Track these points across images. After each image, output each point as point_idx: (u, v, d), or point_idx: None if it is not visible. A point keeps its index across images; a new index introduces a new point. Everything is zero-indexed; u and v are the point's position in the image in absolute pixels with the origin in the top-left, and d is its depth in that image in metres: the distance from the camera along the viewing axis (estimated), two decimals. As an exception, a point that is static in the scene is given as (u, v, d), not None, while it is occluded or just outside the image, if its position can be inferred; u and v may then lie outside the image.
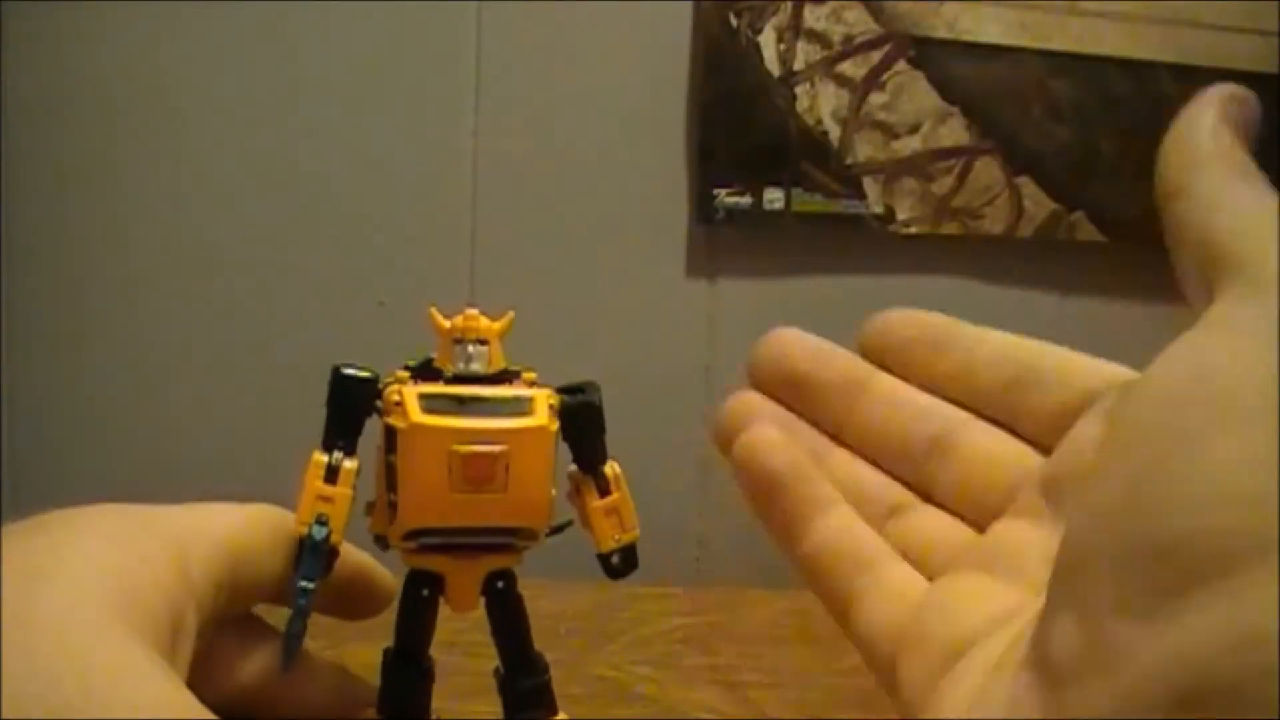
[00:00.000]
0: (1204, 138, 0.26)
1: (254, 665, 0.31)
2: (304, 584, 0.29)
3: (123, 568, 0.25)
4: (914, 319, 0.32)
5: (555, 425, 0.30)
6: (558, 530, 0.32)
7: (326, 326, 0.80)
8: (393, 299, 0.80)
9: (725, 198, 0.81)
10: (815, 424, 0.32)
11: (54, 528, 0.26)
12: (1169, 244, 0.26)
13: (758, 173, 0.81)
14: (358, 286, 0.80)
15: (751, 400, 0.32)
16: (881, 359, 0.32)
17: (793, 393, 0.32)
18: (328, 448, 0.30)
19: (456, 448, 0.29)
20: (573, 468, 0.33)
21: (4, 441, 0.77)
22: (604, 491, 0.32)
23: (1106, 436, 0.23)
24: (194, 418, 0.79)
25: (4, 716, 0.21)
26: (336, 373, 0.31)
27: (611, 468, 0.32)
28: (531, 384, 0.31)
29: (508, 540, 0.31)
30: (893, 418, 0.31)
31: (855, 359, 0.32)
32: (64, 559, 0.25)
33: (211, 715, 0.24)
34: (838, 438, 0.32)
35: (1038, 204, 0.84)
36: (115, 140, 0.78)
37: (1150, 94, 0.84)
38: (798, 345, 0.33)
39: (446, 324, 0.31)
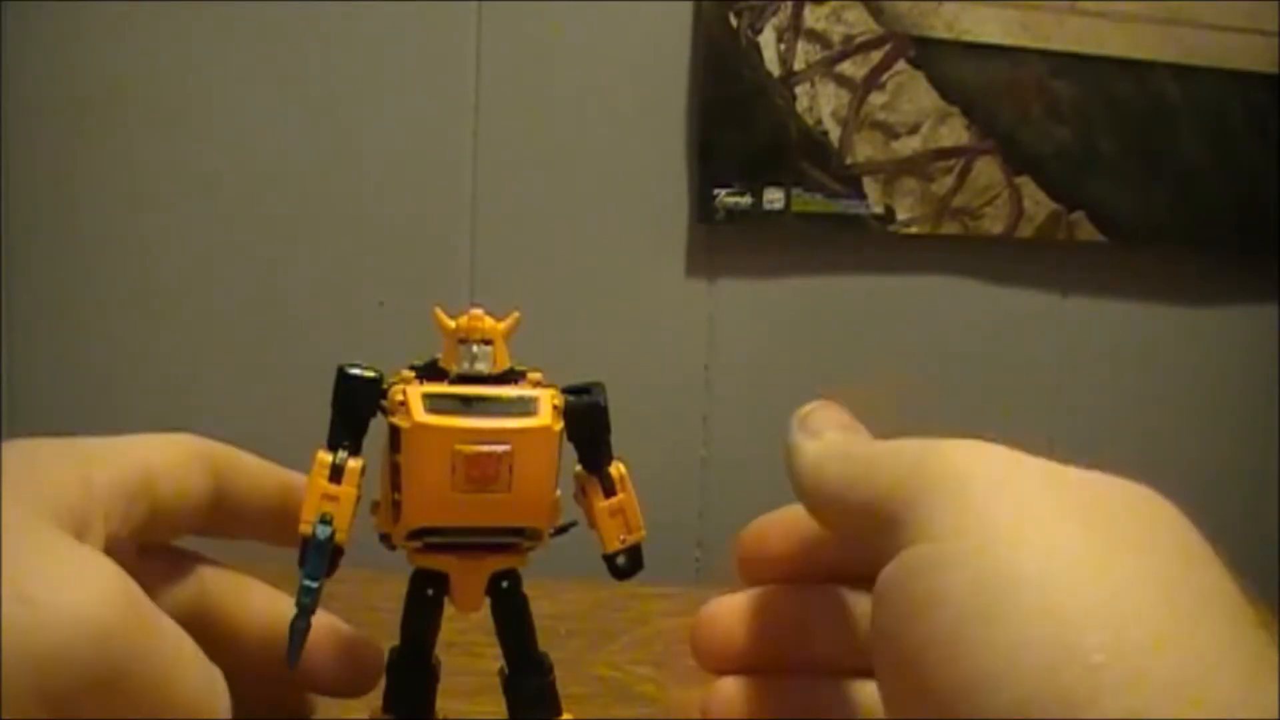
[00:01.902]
0: (808, 457, 0.30)
1: (185, 595, 0.32)
2: (308, 583, 0.29)
3: (26, 482, 0.27)
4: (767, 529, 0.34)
5: (559, 425, 0.30)
6: (562, 531, 0.32)
7: (326, 326, 0.80)
8: (393, 299, 0.80)
9: (725, 198, 0.81)
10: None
11: None
12: (837, 535, 0.30)
13: (758, 173, 0.81)
14: (358, 286, 0.80)
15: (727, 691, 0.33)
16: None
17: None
18: (333, 447, 0.30)
19: (460, 447, 0.29)
20: (578, 468, 0.32)
21: (3, 439, 0.77)
22: (609, 492, 0.32)
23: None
24: (194, 418, 0.79)
25: None
26: (341, 372, 0.31)
27: (617, 468, 0.32)
28: (537, 384, 0.31)
29: (513, 540, 0.31)
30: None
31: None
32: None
33: (123, 574, 0.26)
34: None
35: (1038, 204, 0.84)
36: (115, 141, 0.78)
37: (1150, 94, 0.84)
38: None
39: (451, 324, 0.31)
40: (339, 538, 0.30)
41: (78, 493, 0.28)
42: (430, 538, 0.30)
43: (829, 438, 0.30)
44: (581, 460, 0.32)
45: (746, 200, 0.81)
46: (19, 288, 0.78)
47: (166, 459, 0.31)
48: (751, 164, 0.81)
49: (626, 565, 0.32)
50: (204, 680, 0.27)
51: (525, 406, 0.30)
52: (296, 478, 0.33)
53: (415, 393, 0.29)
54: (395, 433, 0.29)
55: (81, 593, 0.24)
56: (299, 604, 0.29)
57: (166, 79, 0.78)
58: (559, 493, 0.31)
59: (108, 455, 0.30)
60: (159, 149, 0.78)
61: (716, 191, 0.81)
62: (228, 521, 0.33)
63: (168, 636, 0.27)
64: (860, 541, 0.28)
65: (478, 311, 0.31)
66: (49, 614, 0.24)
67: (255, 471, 0.34)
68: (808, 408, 0.31)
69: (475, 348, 0.30)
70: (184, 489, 0.31)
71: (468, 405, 0.29)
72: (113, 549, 0.28)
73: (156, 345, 0.79)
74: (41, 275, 0.78)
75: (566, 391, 0.31)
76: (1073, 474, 0.27)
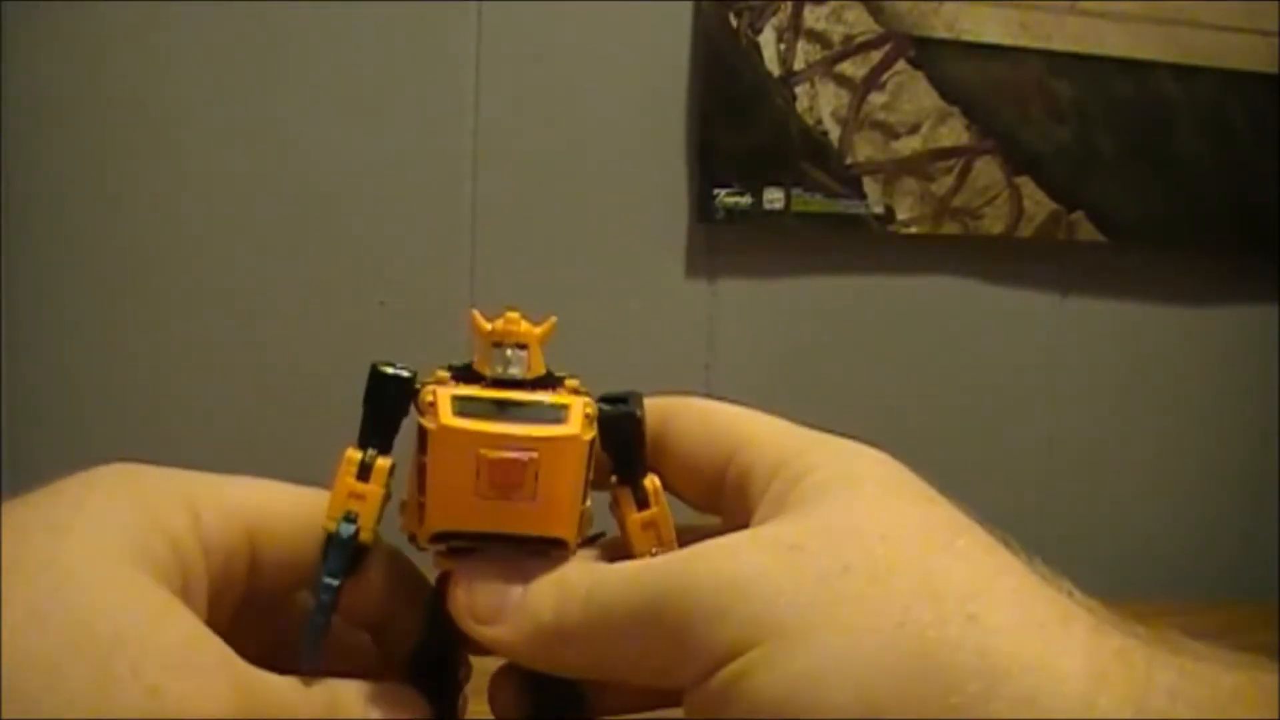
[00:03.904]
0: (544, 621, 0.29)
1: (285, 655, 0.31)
2: (328, 580, 0.29)
3: (133, 519, 0.27)
4: None
5: (589, 435, 0.29)
6: (589, 542, 0.31)
7: (326, 326, 0.79)
8: (393, 299, 0.80)
9: (725, 198, 0.81)
10: None
11: (69, 487, 0.28)
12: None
13: (758, 173, 0.81)
14: (358, 286, 0.80)
15: None
16: None
17: None
18: (362, 445, 0.30)
19: (485, 452, 0.28)
20: (614, 479, 0.32)
21: (4, 441, 0.77)
22: (643, 504, 0.31)
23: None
24: (193, 418, 0.79)
25: (42, 657, 0.23)
26: (374, 370, 0.30)
27: (652, 481, 0.31)
28: (574, 391, 0.30)
29: (539, 549, 0.30)
30: None
31: None
32: (81, 513, 0.26)
33: (229, 650, 0.25)
34: None
35: (1038, 204, 0.84)
36: (115, 140, 0.78)
37: (1150, 94, 0.84)
38: None
39: (487, 326, 0.30)
40: (363, 536, 0.29)
41: (186, 539, 0.27)
42: (454, 542, 0.30)
43: (540, 602, 0.29)
44: (616, 471, 0.32)
45: (746, 200, 0.81)
46: (18, 288, 0.78)
47: (271, 511, 0.30)
48: (751, 164, 0.81)
49: None
50: None
51: (555, 414, 0.29)
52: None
53: (445, 394, 0.29)
54: (422, 433, 0.29)
55: (206, 695, 0.24)
56: (318, 601, 0.29)
57: (166, 78, 0.78)
58: (589, 503, 0.30)
59: (212, 499, 0.29)
60: (158, 148, 0.78)
61: (716, 191, 0.81)
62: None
63: None
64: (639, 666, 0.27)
65: (514, 315, 0.30)
66: (173, 708, 0.23)
67: None
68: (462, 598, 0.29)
69: (509, 351, 0.30)
70: (289, 548, 0.30)
71: (497, 410, 0.29)
72: (212, 603, 0.27)
73: (156, 345, 0.79)
74: (40, 275, 0.78)
75: (602, 400, 0.31)
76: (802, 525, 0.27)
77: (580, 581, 0.28)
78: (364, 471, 0.30)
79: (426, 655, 0.32)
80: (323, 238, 0.80)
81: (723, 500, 0.31)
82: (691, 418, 0.32)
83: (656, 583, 0.26)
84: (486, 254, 0.81)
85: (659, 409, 0.32)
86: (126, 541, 0.26)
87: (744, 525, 0.28)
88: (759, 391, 0.83)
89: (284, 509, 0.30)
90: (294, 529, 0.30)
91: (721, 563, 0.26)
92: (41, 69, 0.76)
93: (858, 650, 0.23)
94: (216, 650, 0.25)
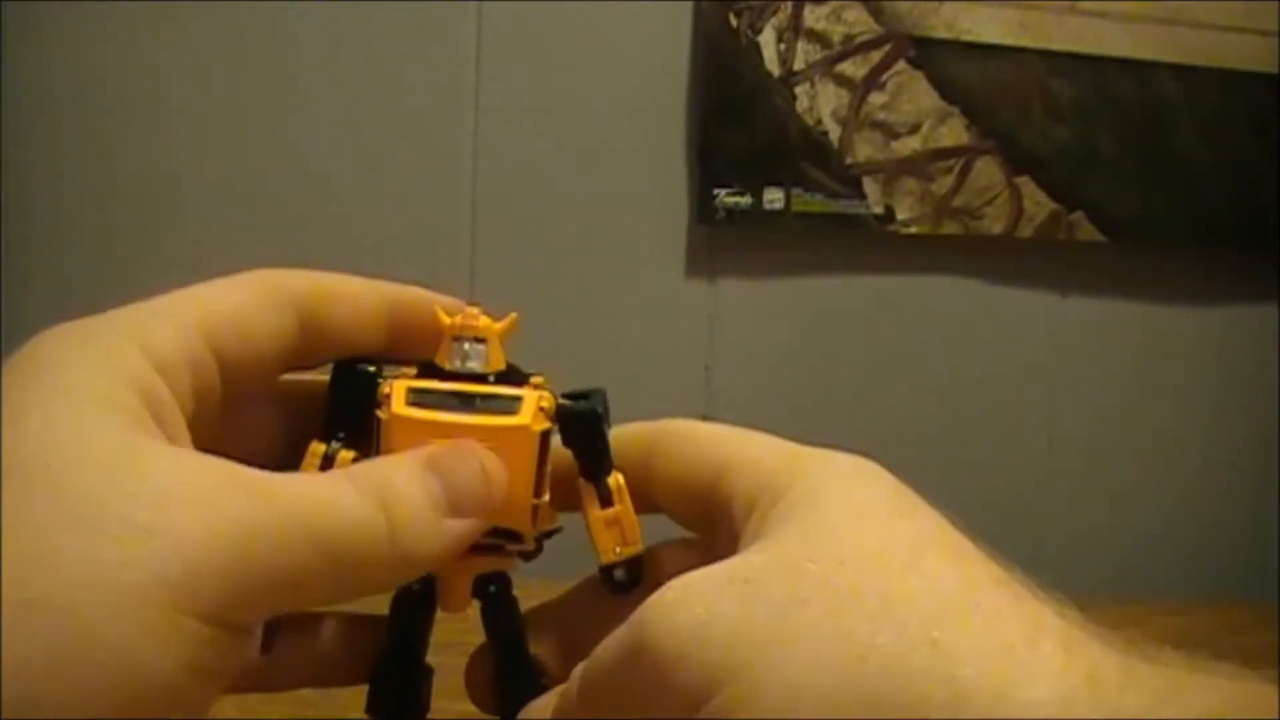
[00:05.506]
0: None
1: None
2: None
3: (81, 362, 0.27)
4: None
5: (541, 427, 0.29)
6: (545, 536, 0.31)
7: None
8: (393, 299, 0.80)
9: (725, 198, 0.81)
10: None
11: (20, 374, 0.27)
12: None
13: (758, 173, 0.81)
14: (358, 286, 0.80)
15: None
16: None
17: None
18: (326, 438, 0.30)
19: (436, 441, 0.28)
20: (581, 477, 0.32)
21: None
22: (606, 502, 0.31)
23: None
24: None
25: (39, 540, 0.22)
26: (337, 365, 0.31)
27: (615, 479, 0.32)
28: (537, 387, 0.30)
29: (495, 542, 0.30)
30: None
31: None
32: (49, 393, 0.26)
33: (229, 465, 0.25)
34: None
35: (1038, 204, 0.84)
36: (114, 140, 0.78)
37: (1150, 94, 0.84)
38: None
39: (447, 321, 0.30)
40: None
41: (141, 368, 0.27)
42: None
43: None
44: (580, 469, 0.32)
45: (746, 200, 0.81)
46: (18, 287, 0.78)
47: (229, 305, 0.30)
48: (751, 164, 0.81)
49: (626, 579, 0.31)
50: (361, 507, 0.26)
51: (508, 406, 0.29)
52: (404, 291, 0.32)
53: (400, 386, 0.29)
54: (377, 424, 0.29)
55: (209, 518, 0.23)
56: None
57: (165, 78, 0.78)
58: (546, 498, 0.30)
59: (157, 317, 0.29)
60: (157, 149, 0.78)
61: (716, 191, 0.81)
62: (326, 351, 0.31)
63: (294, 497, 0.25)
64: None
65: (473, 310, 0.31)
66: (181, 538, 0.23)
67: (353, 292, 0.32)
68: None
69: (468, 345, 0.30)
70: (256, 332, 0.29)
71: (452, 402, 0.29)
72: (191, 420, 0.27)
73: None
74: (39, 275, 0.78)
75: (565, 397, 0.31)
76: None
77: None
78: (327, 463, 0.30)
79: (391, 653, 0.32)
80: (322, 237, 0.80)
81: (713, 526, 0.30)
82: (678, 442, 0.32)
83: (624, 637, 0.26)
84: (486, 254, 0.81)
85: (646, 433, 0.32)
86: (91, 390, 0.25)
87: (734, 552, 0.28)
88: (759, 391, 0.83)
89: (241, 296, 0.30)
90: (258, 313, 0.30)
91: (676, 608, 0.25)
92: (41, 69, 0.76)
93: (820, 687, 0.23)
94: (212, 472, 0.24)
